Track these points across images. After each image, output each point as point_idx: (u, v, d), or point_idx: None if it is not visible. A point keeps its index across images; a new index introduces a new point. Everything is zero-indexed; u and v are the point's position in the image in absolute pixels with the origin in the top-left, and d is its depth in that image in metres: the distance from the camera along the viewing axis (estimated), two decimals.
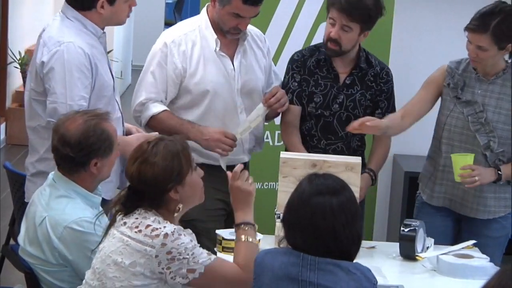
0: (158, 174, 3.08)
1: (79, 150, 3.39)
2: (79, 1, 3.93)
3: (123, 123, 4.12)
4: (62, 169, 3.45)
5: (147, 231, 3.01)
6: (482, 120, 4.15)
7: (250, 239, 3.19)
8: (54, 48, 3.86)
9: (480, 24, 4.01)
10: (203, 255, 3.04)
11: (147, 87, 4.27)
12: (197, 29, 4.29)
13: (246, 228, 3.21)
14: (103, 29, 4.02)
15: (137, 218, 3.07)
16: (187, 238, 3.03)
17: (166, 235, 2.99)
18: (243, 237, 3.19)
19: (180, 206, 3.15)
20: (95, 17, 3.94)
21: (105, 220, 3.47)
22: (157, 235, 2.99)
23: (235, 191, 3.29)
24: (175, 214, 3.15)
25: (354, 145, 4.45)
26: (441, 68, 4.31)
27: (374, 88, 4.41)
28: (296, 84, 4.44)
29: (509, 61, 4.18)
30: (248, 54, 4.36)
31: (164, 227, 3.02)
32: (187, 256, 3.00)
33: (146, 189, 3.09)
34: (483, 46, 4.02)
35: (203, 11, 4.34)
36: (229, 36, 4.26)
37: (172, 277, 3.00)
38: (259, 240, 3.26)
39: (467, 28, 4.05)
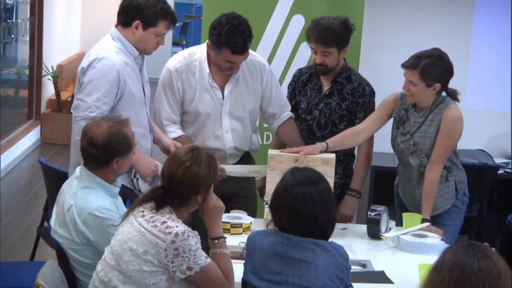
0: (198, 180, 3.05)
1: (104, 151, 3.36)
2: (123, 16, 3.89)
3: (150, 131, 4.06)
4: (87, 165, 3.42)
5: (162, 227, 2.96)
6: (411, 146, 4.14)
7: (225, 251, 3.13)
8: (92, 58, 3.83)
9: (412, 62, 4.04)
10: (202, 258, 2.99)
11: (162, 109, 4.22)
12: (198, 60, 4.20)
13: (222, 242, 3.14)
14: (141, 53, 3.95)
15: (154, 213, 3.02)
16: (194, 240, 2.98)
17: (177, 234, 2.94)
18: (219, 250, 3.11)
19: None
20: (131, 37, 3.89)
21: (121, 207, 3.44)
22: (169, 233, 2.94)
23: (211, 209, 3.15)
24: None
25: None
26: (394, 95, 4.26)
27: (350, 100, 4.34)
28: (289, 94, 4.50)
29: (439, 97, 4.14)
30: (240, 83, 4.25)
31: (177, 226, 2.97)
32: (190, 256, 2.95)
33: (181, 191, 3.05)
34: (413, 81, 4.03)
35: (205, 45, 4.23)
36: (225, 72, 4.17)
37: (174, 271, 2.95)
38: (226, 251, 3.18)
39: (402, 65, 4.07)
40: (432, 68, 4.01)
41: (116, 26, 3.93)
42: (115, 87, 3.82)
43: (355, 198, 4.39)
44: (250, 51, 4.20)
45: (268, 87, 4.32)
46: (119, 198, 3.51)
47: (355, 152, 4.51)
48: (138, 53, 3.92)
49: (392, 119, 4.29)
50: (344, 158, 4.41)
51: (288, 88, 4.53)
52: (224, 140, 4.25)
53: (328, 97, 4.38)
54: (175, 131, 4.21)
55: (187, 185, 3.05)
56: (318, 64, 4.30)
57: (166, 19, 3.89)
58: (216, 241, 3.14)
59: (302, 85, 4.45)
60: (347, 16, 4.32)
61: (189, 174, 3.04)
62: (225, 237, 3.18)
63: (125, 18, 3.89)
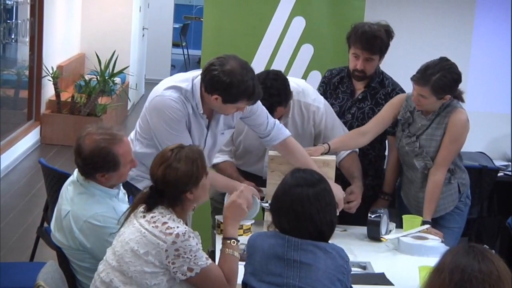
0: (180, 177, 3.03)
1: (85, 164, 3.34)
2: (205, 83, 3.66)
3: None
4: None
5: (163, 228, 2.96)
6: (417, 148, 4.15)
7: (235, 254, 3.12)
8: (151, 97, 3.75)
9: (422, 77, 4.01)
10: (202, 259, 2.98)
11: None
12: None
13: (234, 244, 3.13)
14: (208, 114, 3.79)
15: (155, 213, 3.02)
16: (194, 241, 2.97)
17: (177, 235, 2.94)
18: (228, 250, 3.11)
19: (195, 205, 3.13)
20: (208, 101, 3.70)
21: (120, 208, 3.37)
22: (170, 233, 2.94)
23: (236, 206, 3.17)
24: (189, 212, 3.12)
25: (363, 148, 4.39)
26: (400, 97, 4.27)
27: (383, 105, 4.36)
28: (321, 93, 4.43)
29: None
30: (289, 125, 4.19)
31: (177, 227, 2.97)
32: (190, 257, 2.95)
33: (168, 190, 3.04)
34: (424, 95, 4.03)
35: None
36: None
37: (174, 272, 2.95)
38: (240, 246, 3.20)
39: (412, 79, 4.06)
40: (443, 82, 4.00)
41: (200, 75, 3.73)
42: (180, 117, 3.72)
43: (387, 201, 4.43)
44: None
45: (322, 126, 4.25)
46: (121, 193, 3.49)
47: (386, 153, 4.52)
48: (202, 111, 3.77)
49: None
50: (376, 160, 4.46)
51: (319, 89, 4.49)
52: (263, 173, 4.27)
53: (361, 101, 4.41)
54: (220, 157, 4.23)
55: (171, 184, 3.03)
56: (358, 70, 4.33)
57: (247, 99, 3.67)
58: (228, 241, 3.14)
59: (333, 87, 4.45)
60: (387, 23, 4.35)
61: (169, 172, 3.03)
62: (239, 240, 3.17)
63: (206, 86, 3.67)
